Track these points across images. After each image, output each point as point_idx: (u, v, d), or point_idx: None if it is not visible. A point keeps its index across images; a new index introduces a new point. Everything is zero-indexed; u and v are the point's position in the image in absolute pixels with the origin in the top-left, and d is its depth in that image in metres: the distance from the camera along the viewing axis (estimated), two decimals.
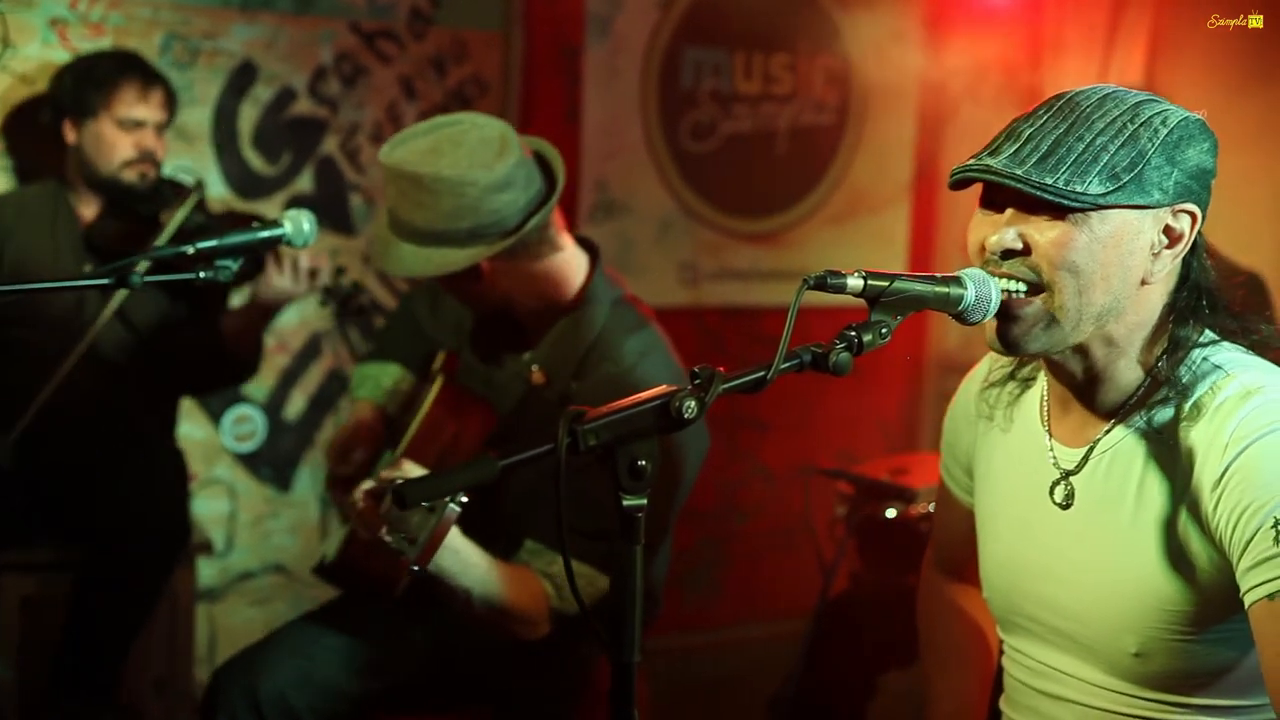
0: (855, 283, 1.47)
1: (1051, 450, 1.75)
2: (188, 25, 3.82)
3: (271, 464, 4.11)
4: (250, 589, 4.12)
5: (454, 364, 2.68)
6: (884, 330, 1.48)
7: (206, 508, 4.02)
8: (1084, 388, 1.69)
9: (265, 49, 3.93)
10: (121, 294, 3.28)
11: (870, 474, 3.59)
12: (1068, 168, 1.55)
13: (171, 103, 3.46)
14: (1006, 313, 1.59)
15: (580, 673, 2.64)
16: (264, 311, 3.35)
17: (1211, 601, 1.60)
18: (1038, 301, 1.59)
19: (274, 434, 4.11)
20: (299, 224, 2.32)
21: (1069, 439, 1.73)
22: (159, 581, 3.30)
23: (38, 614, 3.30)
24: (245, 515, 4.11)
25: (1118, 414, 1.68)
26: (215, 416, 4.02)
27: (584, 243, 2.60)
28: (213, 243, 2.21)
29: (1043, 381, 1.80)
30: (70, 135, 3.36)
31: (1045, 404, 1.78)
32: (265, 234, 2.28)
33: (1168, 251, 1.61)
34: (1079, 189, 1.54)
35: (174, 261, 2.19)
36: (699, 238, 4.64)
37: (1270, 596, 1.50)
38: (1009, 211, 1.60)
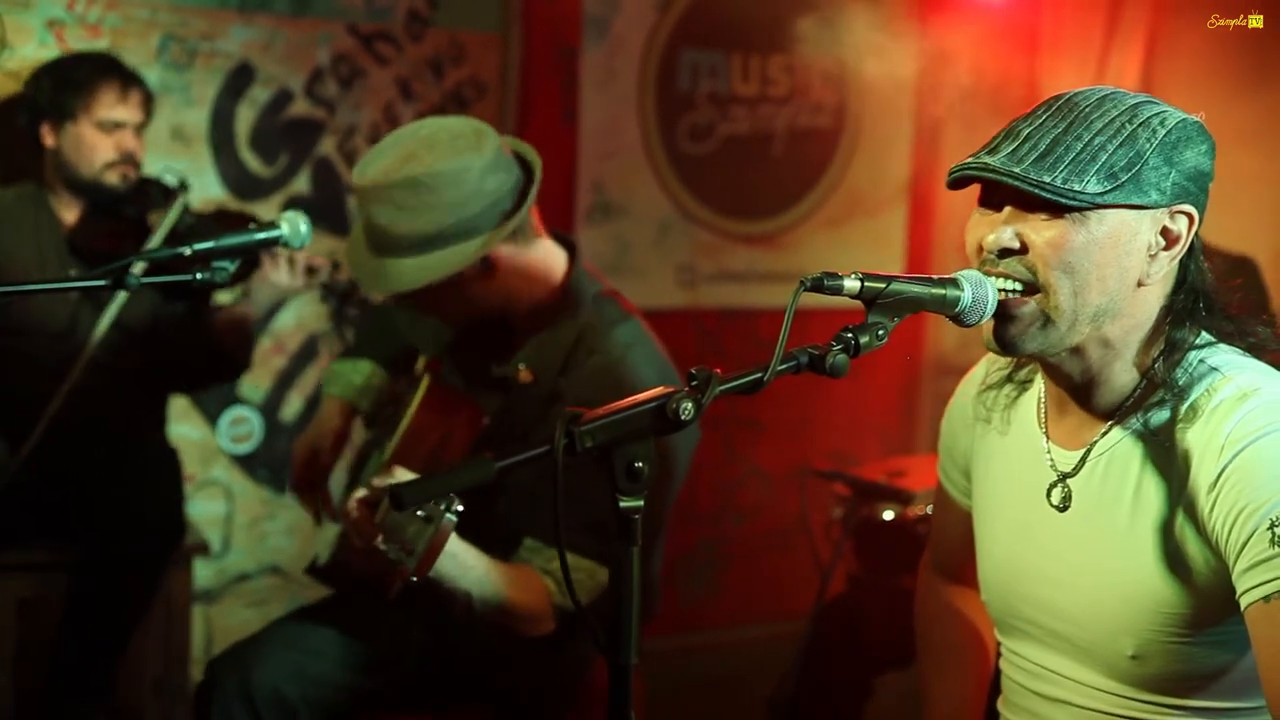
0: (852, 284, 1.47)
1: (1049, 453, 1.75)
2: (185, 26, 3.81)
3: (268, 465, 4.11)
4: (247, 590, 4.12)
5: (438, 365, 2.68)
6: (881, 332, 1.48)
7: (203, 509, 4.02)
8: (1081, 390, 1.69)
9: (263, 50, 3.93)
10: (120, 301, 3.28)
11: (867, 476, 3.60)
12: (1066, 166, 1.55)
13: (149, 103, 3.43)
14: (1003, 312, 1.59)
15: (578, 672, 2.64)
16: (251, 313, 3.33)
17: (1208, 603, 1.60)
18: (1033, 301, 1.59)
19: (271, 435, 4.11)
20: (295, 225, 2.32)
21: (1066, 441, 1.74)
22: (154, 581, 3.30)
23: (34, 615, 3.30)
24: (242, 517, 4.10)
25: (1114, 416, 1.68)
26: (212, 418, 4.02)
27: (561, 239, 2.61)
28: (210, 244, 2.20)
29: (1040, 384, 1.80)
30: (49, 139, 3.34)
31: (1042, 406, 1.78)
32: (262, 235, 2.28)
33: (1165, 253, 1.61)
34: (1077, 188, 1.54)
35: (171, 263, 2.19)
36: (696, 239, 4.64)
37: (1266, 598, 1.50)
38: (1007, 210, 1.60)
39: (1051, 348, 1.62)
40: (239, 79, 3.91)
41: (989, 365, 1.91)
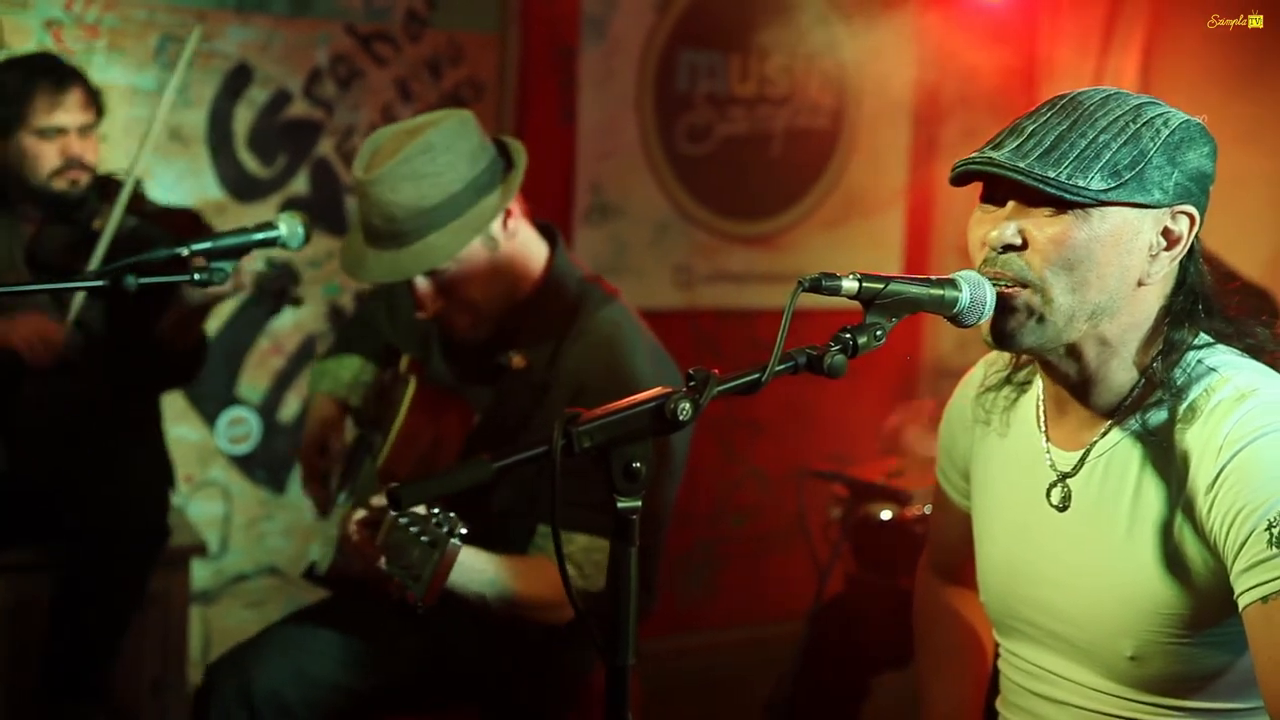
0: (850, 285, 1.47)
1: (1048, 453, 1.75)
2: (183, 27, 3.81)
3: (266, 466, 4.11)
4: (245, 591, 4.11)
5: (420, 366, 2.68)
6: (879, 332, 1.48)
7: (201, 510, 4.02)
8: (1079, 389, 1.69)
9: (261, 51, 3.93)
10: (79, 302, 3.15)
11: (865, 476, 3.60)
12: (1070, 163, 1.55)
13: (95, 101, 3.28)
14: (1001, 305, 1.59)
15: (577, 673, 2.64)
16: (196, 313, 3.16)
17: (1207, 604, 1.60)
18: (1028, 290, 1.59)
19: (268, 436, 4.11)
20: (293, 226, 2.32)
21: (1065, 442, 1.74)
22: (140, 582, 3.28)
23: (27, 616, 3.29)
24: (240, 517, 4.10)
25: (1113, 416, 1.68)
26: (210, 418, 4.02)
27: (541, 228, 2.62)
28: (207, 244, 2.20)
29: (1039, 386, 1.80)
30: None
31: (1041, 408, 1.78)
32: (259, 236, 2.28)
33: (1165, 253, 1.61)
34: (1081, 184, 1.54)
35: (168, 263, 2.18)
36: (694, 240, 4.64)
37: (1264, 599, 1.50)
38: (1010, 205, 1.60)
39: (1049, 343, 1.62)
40: (237, 80, 3.91)
41: (987, 367, 1.91)
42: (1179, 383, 1.63)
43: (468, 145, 2.42)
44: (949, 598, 2.10)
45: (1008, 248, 1.59)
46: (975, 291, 1.55)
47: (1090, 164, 1.55)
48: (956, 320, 1.56)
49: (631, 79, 4.45)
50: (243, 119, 3.94)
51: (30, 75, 3.21)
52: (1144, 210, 1.58)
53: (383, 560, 2.13)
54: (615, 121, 4.44)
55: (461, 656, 2.54)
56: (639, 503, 1.39)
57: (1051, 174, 1.55)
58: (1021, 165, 1.56)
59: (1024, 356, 1.81)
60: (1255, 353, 1.67)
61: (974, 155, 1.61)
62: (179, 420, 3.93)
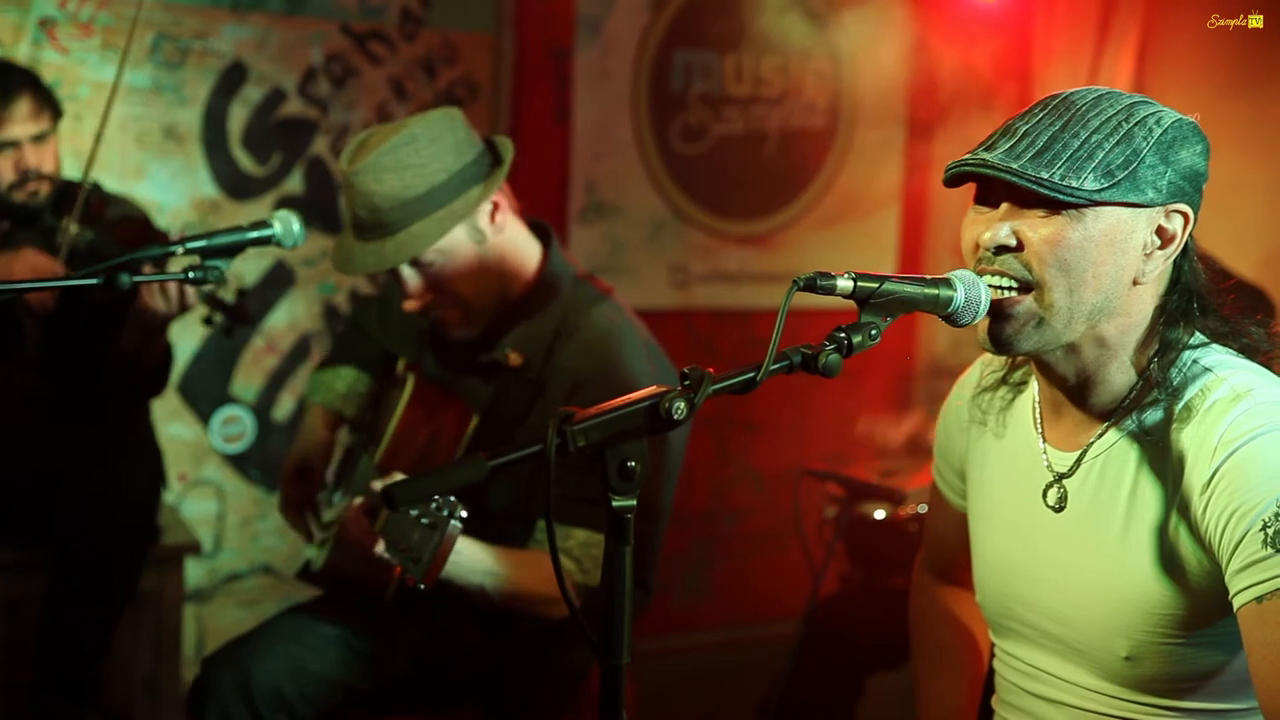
0: (845, 284, 1.47)
1: (1045, 454, 1.75)
2: (178, 25, 3.81)
3: (260, 465, 4.10)
4: (238, 590, 4.11)
5: (418, 367, 2.68)
6: (873, 332, 1.48)
7: (195, 508, 4.01)
8: (1076, 390, 1.69)
9: (255, 49, 3.92)
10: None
11: (860, 476, 3.60)
12: (1063, 163, 1.55)
13: (48, 104, 3.18)
14: (998, 312, 1.59)
15: (574, 672, 2.64)
16: (155, 326, 2.98)
17: (1202, 604, 1.60)
18: (1028, 299, 1.59)
19: (263, 435, 4.10)
20: (288, 225, 2.32)
21: (1061, 443, 1.74)
22: (130, 580, 3.27)
23: (20, 614, 3.29)
24: (234, 516, 4.10)
25: (1110, 417, 1.68)
26: (204, 417, 4.02)
27: (535, 226, 2.63)
28: (202, 243, 2.20)
29: (1035, 386, 1.80)
30: None
31: (1038, 408, 1.78)
32: (254, 234, 2.28)
33: (1160, 252, 1.61)
34: (1074, 184, 1.54)
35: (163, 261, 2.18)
36: (689, 240, 4.64)
37: (1259, 599, 1.50)
38: (1004, 207, 1.60)
39: (1047, 346, 1.62)
40: (232, 78, 3.91)
41: (983, 368, 1.91)
42: (1175, 382, 1.63)
43: (452, 138, 2.43)
44: (944, 598, 2.10)
45: (1002, 249, 1.59)
46: (970, 291, 1.55)
47: (1083, 164, 1.55)
48: (951, 320, 1.56)
49: (626, 79, 4.45)
50: (237, 117, 3.94)
51: None
52: (1138, 209, 1.58)
53: (381, 545, 2.13)
54: (610, 121, 4.45)
55: (460, 656, 2.54)
56: (634, 502, 1.39)
57: (1045, 175, 1.55)
58: (1014, 166, 1.56)
59: (1020, 357, 1.81)
60: (1250, 353, 1.67)
61: (967, 156, 1.61)
62: (173, 419, 3.92)
